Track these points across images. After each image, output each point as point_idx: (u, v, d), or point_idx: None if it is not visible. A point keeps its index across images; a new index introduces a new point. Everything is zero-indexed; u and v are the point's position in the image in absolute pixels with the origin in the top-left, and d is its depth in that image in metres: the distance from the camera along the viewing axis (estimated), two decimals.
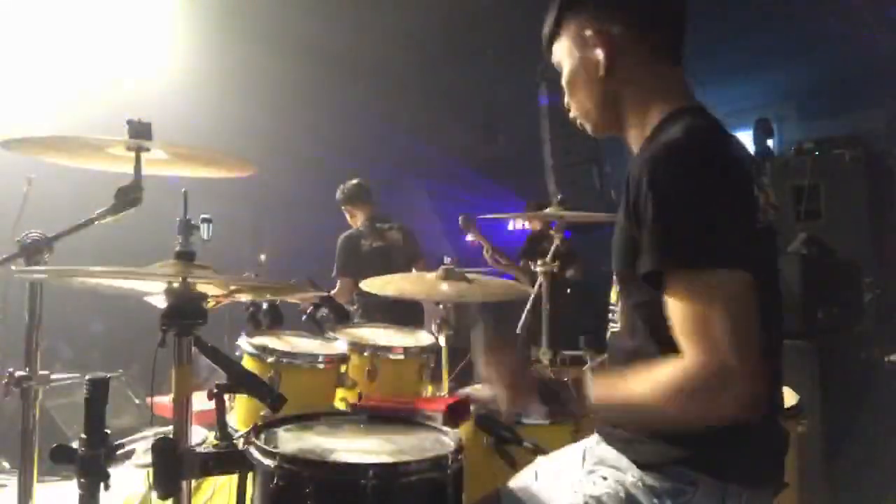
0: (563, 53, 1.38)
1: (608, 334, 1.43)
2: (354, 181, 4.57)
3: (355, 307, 4.13)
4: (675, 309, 1.12)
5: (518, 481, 1.52)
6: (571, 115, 1.44)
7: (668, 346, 1.15)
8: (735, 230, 1.12)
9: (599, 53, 1.30)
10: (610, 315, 1.46)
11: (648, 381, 1.15)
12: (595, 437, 1.40)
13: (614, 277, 1.44)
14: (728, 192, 1.14)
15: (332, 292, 4.04)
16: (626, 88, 1.32)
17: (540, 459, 1.53)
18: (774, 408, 1.31)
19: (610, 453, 1.30)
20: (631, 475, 1.24)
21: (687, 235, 1.11)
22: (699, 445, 1.18)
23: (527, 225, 6.26)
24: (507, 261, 4.76)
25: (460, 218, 4.45)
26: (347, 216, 4.57)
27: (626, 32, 1.30)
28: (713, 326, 1.08)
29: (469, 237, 4.69)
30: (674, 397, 1.11)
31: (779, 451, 1.31)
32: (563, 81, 1.40)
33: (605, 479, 1.27)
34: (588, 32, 1.32)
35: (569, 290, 3.21)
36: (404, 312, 3.59)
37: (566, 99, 1.42)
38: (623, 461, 1.27)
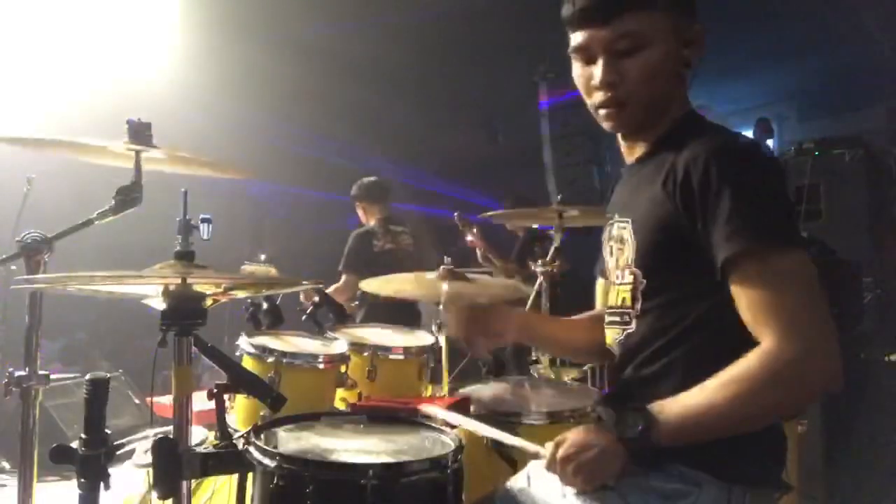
0: (652, 32, 1.25)
1: (613, 336, 1.41)
2: (373, 178, 4.46)
3: (357, 304, 4.09)
4: (751, 295, 1.13)
5: (513, 483, 1.51)
6: (601, 97, 1.30)
7: (709, 340, 1.20)
8: (795, 217, 1.20)
9: (695, 50, 1.31)
10: (608, 317, 1.45)
11: (728, 383, 1.12)
12: None
13: (612, 278, 1.43)
14: (783, 184, 1.21)
15: (335, 287, 4.00)
16: (677, 86, 1.34)
17: (531, 464, 1.50)
18: None
19: None
20: (633, 476, 1.22)
21: (768, 219, 1.15)
22: (701, 445, 1.17)
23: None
24: (500, 262, 4.72)
25: (455, 215, 4.44)
26: (360, 213, 4.45)
27: (699, 34, 1.32)
28: (794, 309, 1.11)
29: (468, 238, 4.69)
30: (765, 388, 1.10)
31: (780, 449, 1.30)
32: (629, 61, 1.27)
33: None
34: (692, 27, 1.30)
35: (559, 290, 3.22)
36: (404, 312, 3.58)
37: (609, 77, 1.27)
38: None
